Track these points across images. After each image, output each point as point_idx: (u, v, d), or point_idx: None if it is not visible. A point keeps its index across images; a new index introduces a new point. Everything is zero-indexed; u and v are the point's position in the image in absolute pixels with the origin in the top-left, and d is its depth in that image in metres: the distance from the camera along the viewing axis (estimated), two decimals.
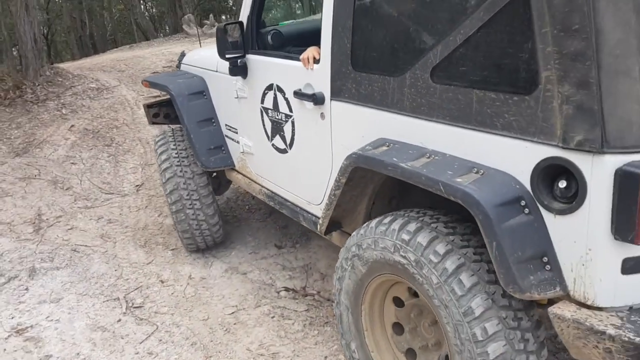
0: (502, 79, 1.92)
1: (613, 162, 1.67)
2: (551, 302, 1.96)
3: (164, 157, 4.21)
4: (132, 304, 3.88)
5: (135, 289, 4.07)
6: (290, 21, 3.53)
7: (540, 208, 1.87)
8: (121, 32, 27.52)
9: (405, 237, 2.19)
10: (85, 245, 4.63)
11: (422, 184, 2.07)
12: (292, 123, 3.15)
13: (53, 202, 5.30)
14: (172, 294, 4.00)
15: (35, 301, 3.94)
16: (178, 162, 4.15)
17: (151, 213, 5.23)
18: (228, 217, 5.05)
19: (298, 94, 2.96)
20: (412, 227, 2.20)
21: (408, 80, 2.27)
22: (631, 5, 1.63)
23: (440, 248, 2.09)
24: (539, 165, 1.84)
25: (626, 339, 1.69)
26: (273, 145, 3.41)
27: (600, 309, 1.80)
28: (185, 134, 4.09)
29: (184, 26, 15.48)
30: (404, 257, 2.19)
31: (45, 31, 22.09)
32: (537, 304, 2.03)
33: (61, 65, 10.27)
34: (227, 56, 3.41)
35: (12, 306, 3.90)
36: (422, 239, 2.14)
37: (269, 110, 3.36)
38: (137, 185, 5.72)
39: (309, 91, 2.87)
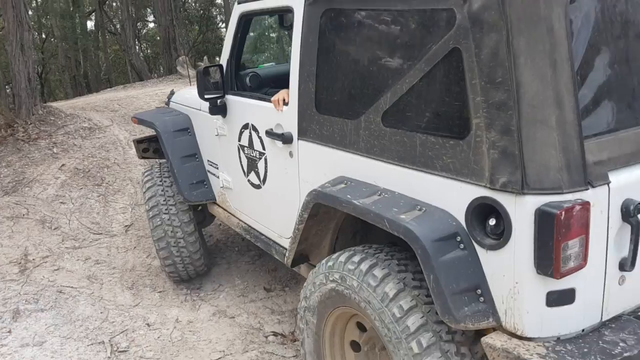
0: (440, 125, 2.10)
1: (533, 202, 1.82)
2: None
3: (150, 192, 4.36)
4: (117, 348, 3.81)
5: (121, 332, 3.99)
6: (270, 64, 3.73)
7: (474, 244, 2.02)
8: (115, 72, 27.78)
9: (367, 276, 2.30)
10: (72, 287, 4.56)
11: (371, 219, 2.25)
12: (265, 160, 3.34)
13: (40, 242, 5.24)
14: (159, 337, 3.93)
15: (18, 344, 3.86)
16: (163, 199, 4.31)
17: (139, 254, 5.18)
18: (217, 258, 5.01)
19: (269, 133, 3.16)
20: (360, 260, 2.37)
21: (363, 124, 2.46)
22: (547, 61, 1.82)
23: (391, 288, 2.21)
24: (471, 204, 2.00)
25: None
26: (249, 180, 3.59)
27: (529, 339, 1.92)
28: (170, 168, 4.22)
29: (178, 67, 15.66)
30: (361, 297, 2.30)
31: (39, 70, 22.26)
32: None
33: (54, 104, 10.31)
34: (206, 97, 3.60)
35: None
36: (376, 273, 2.28)
37: (245, 148, 3.54)
38: (126, 226, 5.68)
39: (279, 131, 3.08)
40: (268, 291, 4.49)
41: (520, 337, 1.94)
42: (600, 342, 1.93)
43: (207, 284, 4.66)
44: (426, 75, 2.13)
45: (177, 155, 4.18)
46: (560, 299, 1.91)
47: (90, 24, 27.67)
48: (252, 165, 3.52)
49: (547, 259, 1.82)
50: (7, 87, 16.87)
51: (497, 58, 1.87)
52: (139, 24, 27.66)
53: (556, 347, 1.89)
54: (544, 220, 1.81)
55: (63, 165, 6.76)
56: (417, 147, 2.21)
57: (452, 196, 2.07)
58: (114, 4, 27.54)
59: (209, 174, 4.20)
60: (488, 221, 1.97)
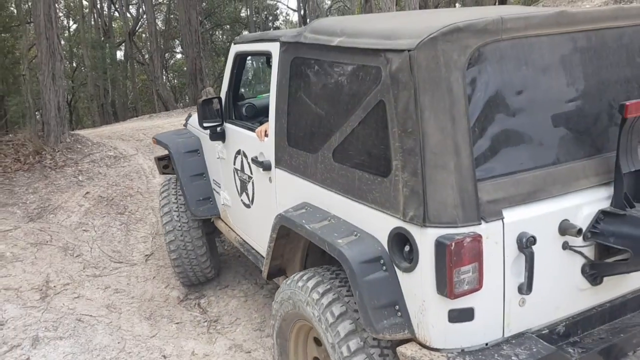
0: (372, 164, 2.46)
1: (432, 233, 2.15)
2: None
3: (165, 205, 4.83)
4: None
5: None
6: (267, 94, 4.00)
7: (394, 266, 2.35)
8: (142, 101, 28.37)
9: (314, 295, 2.67)
10: (90, 315, 4.59)
11: (316, 242, 2.64)
12: (253, 183, 3.73)
13: (62, 269, 5.30)
14: None
15: None
16: (177, 212, 4.74)
17: (158, 284, 5.20)
18: (235, 291, 5.01)
19: (254, 160, 3.58)
20: (314, 283, 2.72)
21: (320, 158, 2.84)
22: (447, 116, 2.14)
23: (336, 308, 2.56)
24: (391, 232, 2.33)
25: None
26: (241, 200, 3.98)
27: (436, 349, 2.23)
28: (180, 185, 4.65)
29: (203, 98, 15.96)
30: (308, 310, 2.69)
31: (68, 98, 22.83)
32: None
33: (81, 132, 10.54)
34: (205, 125, 4.05)
35: None
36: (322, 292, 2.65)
37: (238, 171, 3.95)
38: (146, 255, 5.73)
39: (261, 159, 3.48)
40: None
41: (429, 348, 2.25)
42: (496, 355, 2.21)
43: (224, 317, 4.65)
44: (362, 121, 2.50)
45: (187, 174, 4.59)
46: (461, 316, 2.21)
47: (119, 54, 28.42)
48: (243, 187, 3.91)
49: (443, 282, 2.13)
50: (37, 114, 17.31)
51: (408, 111, 2.21)
52: (166, 54, 28.32)
53: (456, 357, 2.19)
54: (440, 250, 2.12)
55: (87, 193, 6.87)
56: (356, 181, 2.57)
57: (379, 225, 2.41)
58: (144, 35, 28.28)
59: (214, 192, 4.58)
60: (404, 248, 2.30)
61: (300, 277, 2.81)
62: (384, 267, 2.36)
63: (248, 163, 3.73)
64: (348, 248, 2.42)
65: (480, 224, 2.15)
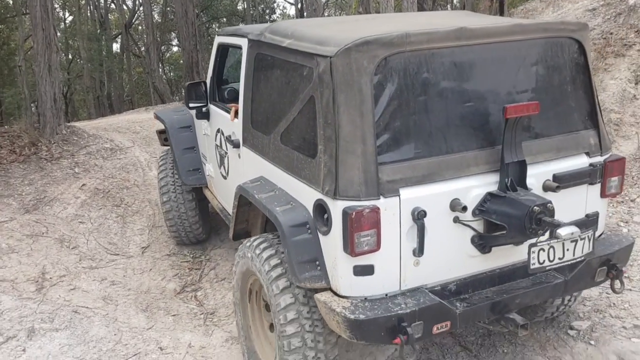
0: (305, 147, 3.02)
1: (341, 205, 2.71)
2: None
3: (162, 174, 5.45)
4: None
5: (134, 356, 3.99)
6: None
7: (317, 230, 2.90)
8: (138, 93, 28.25)
9: (259, 253, 3.24)
10: (87, 307, 4.58)
11: (261, 209, 3.23)
12: (228, 158, 4.33)
13: (58, 260, 5.29)
14: None
15: None
16: (172, 180, 5.33)
17: (155, 276, 5.20)
18: (232, 284, 5.00)
19: (227, 139, 4.19)
20: (262, 245, 3.27)
21: (272, 139, 3.40)
22: (357, 112, 2.69)
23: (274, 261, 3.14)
24: (315, 203, 2.89)
25: (344, 315, 2.70)
26: (221, 172, 4.57)
27: (344, 297, 2.81)
28: (172, 157, 5.26)
29: None
30: (256, 266, 3.24)
31: (64, 90, 22.71)
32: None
33: (77, 124, 10.48)
34: (191, 106, 4.69)
35: None
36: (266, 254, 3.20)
37: (218, 147, 4.52)
38: (143, 247, 5.72)
39: (233, 138, 4.07)
40: None
41: (339, 296, 2.83)
42: (389, 303, 2.78)
43: (221, 309, 4.66)
44: (300, 111, 3.07)
45: (179, 147, 5.18)
46: (363, 271, 2.77)
47: (115, 46, 28.28)
48: (222, 161, 4.49)
49: (347, 243, 2.69)
50: (32, 106, 17.23)
51: (328, 106, 2.76)
52: (163, 47, 28.19)
53: (357, 303, 2.77)
54: (345, 217, 2.68)
55: (84, 185, 6.85)
56: (294, 160, 3.13)
57: (308, 197, 2.96)
58: (140, 27, 28.14)
59: (202, 164, 5.13)
60: (324, 215, 2.83)
61: (252, 241, 3.37)
62: (309, 231, 2.93)
63: (224, 140, 4.30)
64: (282, 214, 3.00)
65: (379, 199, 2.71)
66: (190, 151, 5.19)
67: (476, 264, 3.01)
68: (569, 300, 3.83)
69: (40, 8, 8.01)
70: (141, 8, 24.95)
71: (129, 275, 5.20)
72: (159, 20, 26.65)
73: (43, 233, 5.73)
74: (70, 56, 27.18)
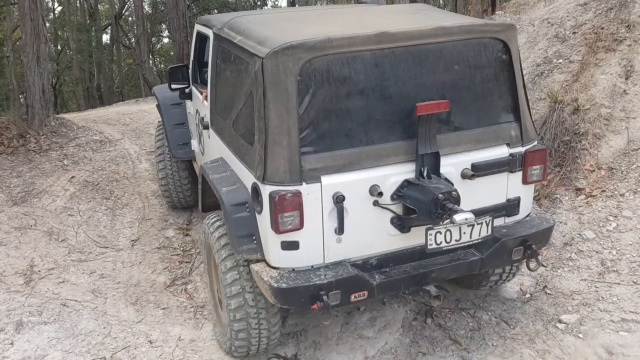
0: (247, 135, 3.40)
1: (268, 189, 3.08)
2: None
3: (158, 144, 5.96)
4: None
5: (123, 349, 3.98)
6: None
7: (254, 209, 3.28)
8: (128, 85, 28.04)
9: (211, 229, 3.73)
10: (75, 300, 4.55)
11: (213, 188, 3.64)
12: (202, 137, 4.75)
13: (47, 253, 5.25)
14: (160, 356, 3.91)
15: (20, 357, 3.85)
16: (167, 150, 5.74)
17: (144, 269, 5.17)
18: None
19: (200, 120, 4.67)
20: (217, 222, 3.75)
21: (227, 125, 3.81)
22: (283, 107, 3.04)
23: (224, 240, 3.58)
24: (252, 186, 3.26)
25: (269, 284, 3.11)
26: (200, 149, 4.99)
27: (274, 267, 3.22)
28: (164, 131, 5.73)
29: None
30: (211, 239, 3.70)
31: (53, 81, 22.49)
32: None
33: (66, 115, 10.37)
34: (173, 87, 5.09)
35: None
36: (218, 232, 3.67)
37: (198, 126, 4.91)
38: (132, 240, 5.69)
39: (205, 119, 4.49)
40: None
41: (271, 267, 3.23)
42: (311, 274, 3.17)
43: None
44: (244, 103, 3.46)
45: (170, 122, 5.61)
46: (289, 246, 3.16)
47: (105, 38, 28.00)
48: (200, 139, 4.90)
49: (273, 222, 3.07)
50: (21, 97, 17.05)
51: (261, 101, 3.11)
52: (153, 38, 27.97)
53: (284, 273, 3.18)
54: (271, 200, 3.05)
55: (73, 177, 6.79)
56: (241, 146, 3.52)
57: (248, 180, 3.36)
58: (130, 18, 27.89)
59: (190, 139, 5.50)
60: (258, 197, 3.19)
61: (210, 218, 3.84)
62: (248, 210, 3.34)
63: (199, 121, 4.77)
64: (226, 194, 3.44)
65: (301, 184, 3.08)
66: (180, 127, 5.58)
67: (396, 241, 3.37)
68: (509, 273, 4.22)
69: None
70: None
71: (118, 269, 5.17)
72: (150, 12, 26.41)
73: (31, 226, 5.68)
74: (59, 47, 26.87)
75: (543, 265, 4.47)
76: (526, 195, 3.66)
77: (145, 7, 24.87)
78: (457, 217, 2.95)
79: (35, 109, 8.01)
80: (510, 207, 3.60)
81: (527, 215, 3.74)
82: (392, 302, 4.43)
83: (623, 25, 6.49)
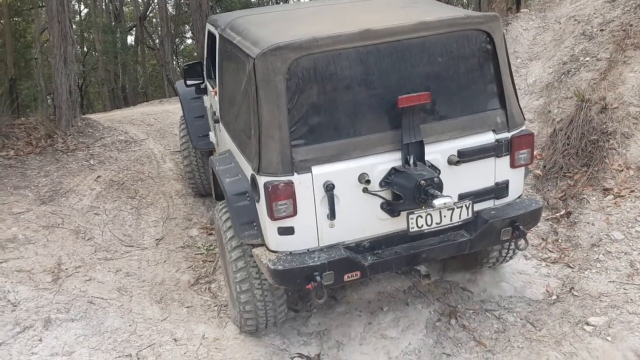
0: (246, 129, 3.65)
1: (263, 179, 3.33)
2: None
3: (183, 138, 6.25)
4: None
5: (148, 347, 4.02)
6: None
7: (254, 198, 3.51)
8: (152, 86, 28.34)
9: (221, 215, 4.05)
10: (102, 298, 4.61)
11: (218, 179, 3.94)
12: (216, 130, 5.09)
13: (74, 251, 5.33)
14: (185, 354, 3.94)
15: (48, 353, 3.91)
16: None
17: (169, 268, 5.22)
18: None
19: (213, 114, 5.00)
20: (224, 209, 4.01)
21: (232, 119, 4.11)
22: (274, 104, 3.26)
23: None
24: (251, 177, 3.52)
25: (267, 266, 3.39)
26: (215, 141, 5.29)
27: (273, 251, 3.48)
28: (185, 124, 6.06)
29: None
30: (220, 225, 4.02)
31: (80, 82, 22.84)
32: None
33: (92, 116, 10.53)
34: (188, 84, 5.40)
35: (24, 357, 3.87)
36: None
37: (212, 119, 5.20)
38: (157, 239, 5.75)
39: (216, 114, 4.82)
40: (295, 312, 4.47)
41: (270, 251, 3.50)
42: (306, 257, 3.43)
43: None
44: (242, 100, 3.69)
45: (191, 115, 5.89)
46: (285, 232, 3.40)
47: (130, 39, 28.34)
48: (215, 131, 5.21)
49: (269, 210, 3.31)
50: (48, 98, 17.34)
51: (254, 99, 3.34)
52: (177, 39, 28.22)
53: (281, 256, 3.43)
54: (266, 190, 3.29)
55: (99, 176, 6.88)
56: (242, 139, 3.77)
57: (248, 171, 3.63)
58: (154, 20, 28.19)
59: (209, 131, 5.66)
60: (256, 187, 3.42)
61: (219, 206, 4.14)
62: (248, 199, 3.60)
63: (213, 115, 5.09)
64: (229, 184, 3.74)
65: (293, 175, 3.31)
66: (200, 119, 5.82)
67: (387, 225, 3.56)
68: (507, 253, 4.38)
69: (57, 1, 8.03)
70: (155, 0, 24.99)
71: (143, 267, 5.23)
72: (173, 13, 26.65)
73: (59, 224, 5.78)
74: (85, 49, 27.29)
75: (531, 245, 4.74)
76: (515, 178, 3.80)
77: (169, 8, 25.12)
78: (436, 202, 3.15)
79: (63, 109, 8.15)
80: (499, 190, 3.75)
81: (519, 197, 3.88)
82: (416, 302, 4.40)
83: None
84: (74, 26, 16.32)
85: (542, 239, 5.04)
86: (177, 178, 7.01)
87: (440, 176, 3.35)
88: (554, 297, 4.35)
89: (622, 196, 5.01)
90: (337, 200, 3.38)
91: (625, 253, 4.52)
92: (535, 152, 5.96)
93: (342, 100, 3.36)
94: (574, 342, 3.84)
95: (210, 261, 5.35)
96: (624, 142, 5.40)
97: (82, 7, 28.46)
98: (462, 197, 3.55)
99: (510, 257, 4.47)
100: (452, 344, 3.98)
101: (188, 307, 4.62)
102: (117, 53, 24.90)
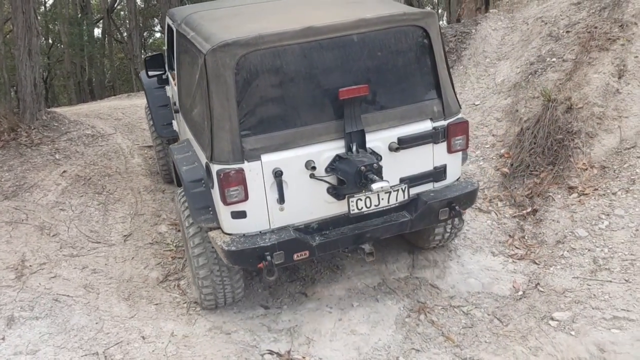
0: (200, 120, 3.86)
1: (216, 167, 3.57)
2: None
3: (151, 123, 6.34)
4: (111, 359, 3.77)
5: (116, 344, 3.96)
6: None
7: (209, 185, 3.75)
8: (120, 79, 27.85)
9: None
10: (68, 295, 4.52)
11: (176, 168, 4.16)
12: (177, 120, 5.34)
13: (38, 248, 5.21)
14: (153, 351, 3.90)
15: (11, 352, 3.82)
16: None
17: (137, 265, 5.15)
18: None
19: (173, 104, 5.35)
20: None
21: (188, 109, 4.35)
22: (224, 97, 3.50)
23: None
24: (205, 165, 3.75)
25: (222, 248, 3.66)
26: (177, 130, 5.49)
27: (227, 234, 3.75)
28: (149, 112, 6.29)
29: None
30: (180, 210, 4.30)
31: (45, 75, 22.30)
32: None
33: (58, 109, 10.28)
34: (150, 74, 5.72)
35: None
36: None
37: (173, 108, 5.39)
38: (125, 236, 5.66)
39: (176, 104, 5.07)
40: (265, 308, 4.45)
41: (225, 233, 3.77)
42: (258, 238, 3.70)
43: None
44: (196, 92, 3.95)
45: (155, 104, 6.10)
46: (238, 215, 3.67)
47: (97, 31, 27.79)
48: (176, 121, 5.41)
49: (222, 195, 3.58)
50: (12, 90, 16.90)
51: (206, 92, 3.57)
52: (145, 33, 27.79)
53: (235, 238, 3.71)
54: (218, 177, 3.55)
55: (64, 171, 6.74)
56: (198, 129, 3.98)
57: (203, 159, 3.83)
58: (122, 12, 27.69)
59: (172, 120, 5.85)
60: (210, 175, 3.66)
61: (178, 193, 4.36)
62: (204, 185, 3.84)
63: (173, 104, 5.38)
64: (185, 172, 3.98)
65: (243, 163, 3.56)
66: (164, 108, 6.00)
67: (334, 208, 3.83)
68: (451, 233, 4.66)
69: None
70: None
71: (110, 264, 5.14)
72: (142, 6, 26.25)
73: (23, 220, 5.64)
74: (50, 40, 26.63)
75: (498, 242, 5.03)
76: (452, 162, 4.11)
77: (138, 1, 24.70)
78: (374, 186, 3.43)
79: (27, 102, 7.94)
80: (437, 173, 4.05)
81: (457, 180, 4.20)
82: (386, 299, 4.44)
83: (616, 25, 6.53)
84: (38, 17, 15.91)
85: (509, 235, 5.13)
86: (146, 173, 6.92)
87: (382, 162, 3.67)
88: (520, 292, 4.44)
89: (586, 194, 5.13)
90: (286, 186, 3.66)
91: (589, 250, 4.64)
92: (502, 151, 6.08)
93: (288, 92, 3.61)
94: (540, 336, 3.93)
95: (179, 258, 5.29)
96: (588, 141, 5.53)
97: None
98: (403, 180, 3.84)
99: (455, 235, 4.78)
100: (421, 340, 4.03)
101: (157, 304, 4.56)
102: (83, 46, 24.39)
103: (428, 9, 4.05)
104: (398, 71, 3.83)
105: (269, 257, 3.59)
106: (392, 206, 3.77)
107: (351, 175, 3.53)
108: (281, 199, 3.66)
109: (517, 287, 4.51)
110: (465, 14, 10.48)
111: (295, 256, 3.71)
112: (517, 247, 4.98)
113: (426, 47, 3.87)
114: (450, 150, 4.03)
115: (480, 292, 4.48)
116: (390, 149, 3.80)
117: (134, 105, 10.49)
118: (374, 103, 3.77)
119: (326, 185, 3.72)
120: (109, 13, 24.85)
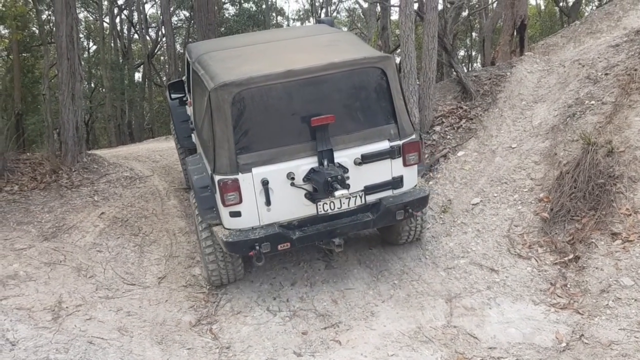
0: (209, 140, 4.70)
1: (217, 178, 4.61)
2: None
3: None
4: None
5: None
6: None
7: (214, 190, 4.75)
8: (158, 122, 28.52)
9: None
10: (102, 338, 4.52)
11: (189, 176, 5.51)
12: (194, 136, 6.44)
13: (75, 289, 5.26)
14: None
15: None
16: None
17: (170, 308, 5.14)
18: (247, 318, 4.93)
19: (190, 124, 6.65)
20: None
21: (200, 132, 5.38)
22: (224, 125, 4.53)
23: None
24: (210, 175, 4.73)
25: (222, 239, 4.71)
26: (195, 141, 6.44)
27: (227, 229, 4.77)
28: (173, 127, 7.54)
29: None
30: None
31: (86, 118, 23.02)
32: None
33: (98, 152, 10.57)
34: (172, 97, 7.13)
35: None
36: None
37: (190, 126, 6.67)
38: (159, 278, 5.67)
39: (192, 123, 6.39)
40: (298, 355, 4.37)
41: (225, 228, 4.77)
42: (249, 232, 4.68)
43: (236, 344, 4.57)
44: (204, 118, 4.90)
45: (178, 119, 7.25)
46: (235, 214, 4.66)
47: (137, 76, 28.70)
48: (195, 137, 6.35)
49: (222, 199, 4.58)
50: (54, 133, 17.43)
51: (210, 120, 4.61)
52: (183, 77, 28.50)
53: (232, 232, 4.71)
54: (219, 185, 4.57)
55: (103, 213, 6.86)
56: (205, 147, 5.04)
57: (209, 170, 4.82)
58: (162, 57, 28.59)
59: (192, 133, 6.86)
60: (213, 183, 4.66)
61: (191, 194, 5.35)
62: (210, 190, 4.88)
63: (190, 123, 6.63)
64: (196, 180, 5.10)
65: (238, 174, 4.55)
66: (185, 123, 7.06)
67: (310, 209, 4.77)
68: (415, 232, 5.63)
69: (66, 38, 8.18)
70: (164, 39, 25.39)
71: (144, 306, 5.14)
72: (181, 51, 27.07)
73: (61, 261, 5.72)
74: (92, 85, 27.62)
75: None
76: (408, 174, 5.02)
77: (177, 46, 25.49)
78: (337, 193, 4.36)
79: (69, 145, 8.19)
80: (395, 182, 4.96)
81: (413, 188, 5.10)
82: (422, 348, 4.29)
83: None
84: (82, 63, 16.52)
85: (551, 283, 4.96)
86: (181, 215, 6.98)
87: (349, 174, 4.65)
88: (564, 344, 4.25)
89: (631, 241, 4.94)
90: (272, 192, 4.64)
91: (636, 300, 4.44)
92: (541, 195, 5.94)
93: (272, 120, 4.61)
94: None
95: (212, 301, 5.27)
96: (631, 186, 5.37)
97: (91, 43, 28.94)
98: (367, 188, 4.80)
99: (417, 237, 5.73)
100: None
101: (189, 349, 4.52)
102: (124, 89, 25.18)
103: (384, 54, 5.59)
104: (361, 102, 4.80)
105: (257, 247, 4.60)
106: (351, 209, 4.81)
107: (320, 184, 4.44)
108: (268, 202, 4.63)
109: (560, 338, 4.32)
110: (499, 57, 10.45)
111: (279, 247, 4.70)
112: (559, 296, 4.80)
113: (384, 83, 4.81)
114: (405, 164, 4.94)
115: (522, 343, 4.31)
116: (355, 163, 4.72)
117: (171, 147, 10.67)
118: (341, 127, 4.69)
119: (303, 192, 4.67)
120: (149, 58, 25.70)
